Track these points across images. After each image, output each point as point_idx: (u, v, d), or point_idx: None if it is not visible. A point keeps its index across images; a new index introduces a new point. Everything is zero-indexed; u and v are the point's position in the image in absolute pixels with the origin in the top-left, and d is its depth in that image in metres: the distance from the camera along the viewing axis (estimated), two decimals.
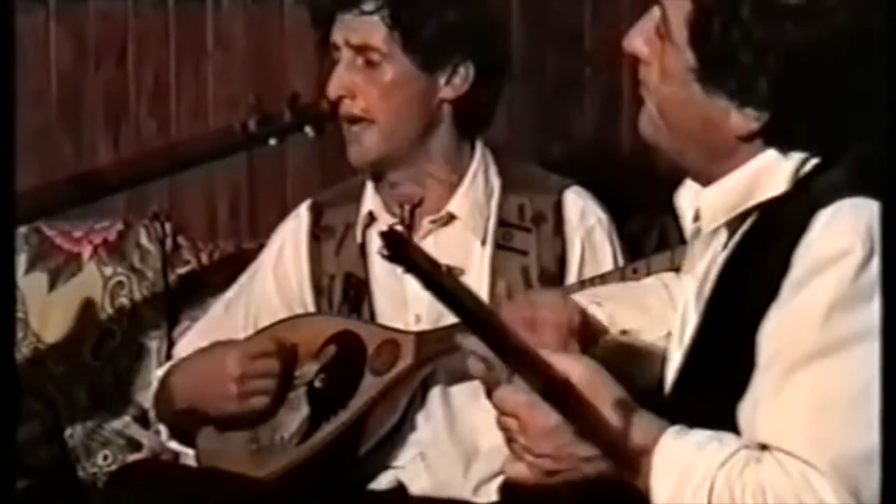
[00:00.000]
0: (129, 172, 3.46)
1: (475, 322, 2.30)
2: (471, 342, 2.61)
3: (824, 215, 2.31)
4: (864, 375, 2.22)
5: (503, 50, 3.61)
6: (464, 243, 3.40)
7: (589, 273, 3.43)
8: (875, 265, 2.28)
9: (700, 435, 2.34)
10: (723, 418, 2.36)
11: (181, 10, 4.33)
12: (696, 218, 2.55)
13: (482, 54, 3.48)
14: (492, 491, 3.38)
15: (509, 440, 2.49)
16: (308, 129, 3.36)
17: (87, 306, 4.01)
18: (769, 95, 2.37)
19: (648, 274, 3.19)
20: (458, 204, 3.44)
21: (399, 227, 3.37)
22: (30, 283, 3.90)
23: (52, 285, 3.86)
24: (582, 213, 3.55)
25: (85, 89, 4.30)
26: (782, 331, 2.31)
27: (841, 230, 2.29)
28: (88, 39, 4.29)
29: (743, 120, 2.41)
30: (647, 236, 3.92)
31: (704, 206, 2.51)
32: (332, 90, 3.40)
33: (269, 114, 3.36)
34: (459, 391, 3.44)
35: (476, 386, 2.93)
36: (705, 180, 2.51)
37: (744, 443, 2.31)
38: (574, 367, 2.38)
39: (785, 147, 2.44)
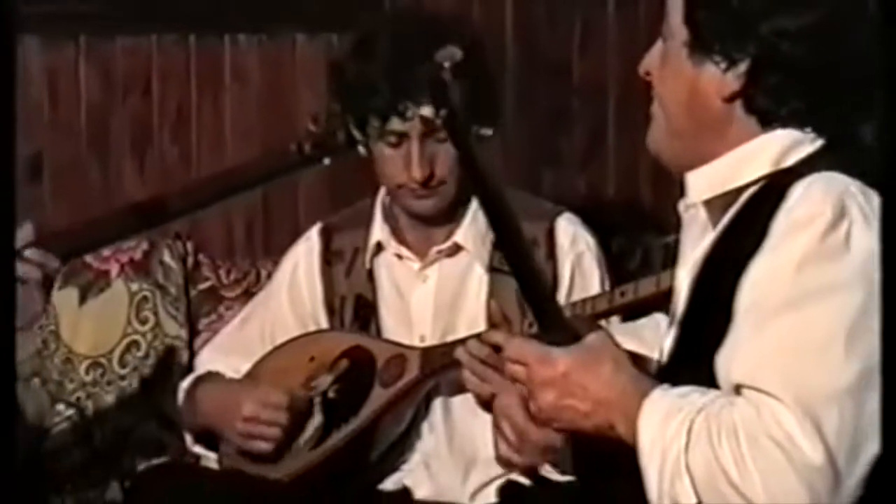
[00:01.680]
0: (192, 198, 3.39)
1: (520, 259, 2.56)
2: (466, 357, 2.73)
3: (800, 186, 2.34)
4: (830, 324, 2.26)
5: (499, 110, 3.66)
6: (467, 270, 3.41)
7: (578, 295, 3.44)
8: (843, 228, 2.30)
9: (685, 388, 2.37)
10: (711, 386, 2.37)
11: (200, 46, 4.29)
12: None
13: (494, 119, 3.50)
14: (489, 494, 3.37)
15: (498, 422, 2.58)
16: (360, 149, 3.40)
17: (115, 319, 4.04)
18: (751, 54, 2.41)
19: (636, 296, 3.21)
20: (463, 235, 3.44)
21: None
22: (62, 298, 3.88)
23: (83, 299, 3.85)
24: (572, 239, 3.55)
25: (112, 121, 4.26)
26: (758, 284, 2.34)
27: (814, 198, 2.32)
28: (115, 74, 4.23)
29: (725, 82, 2.43)
30: (632, 256, 3.89)
31: (692, 181, 2.54)
32: (418, 170, 3.40)
33: (323, 135, 3.29)
34: (460, 403, 3.43)
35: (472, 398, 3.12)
36: (698, 166, 2.54)
37: (723, 392, 2.33)
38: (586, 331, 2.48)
39: (768, 114, 2.47)
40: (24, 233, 3.09)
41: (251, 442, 3.46)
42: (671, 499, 2.35)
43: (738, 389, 2.32)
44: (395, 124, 3.41)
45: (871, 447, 2.25)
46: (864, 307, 2.29)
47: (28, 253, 3.09)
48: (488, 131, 3.49)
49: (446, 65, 2.77)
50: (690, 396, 2.35)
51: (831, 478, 2.23)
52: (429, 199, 3.46)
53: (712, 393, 2.34)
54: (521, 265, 2.62)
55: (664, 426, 2.34)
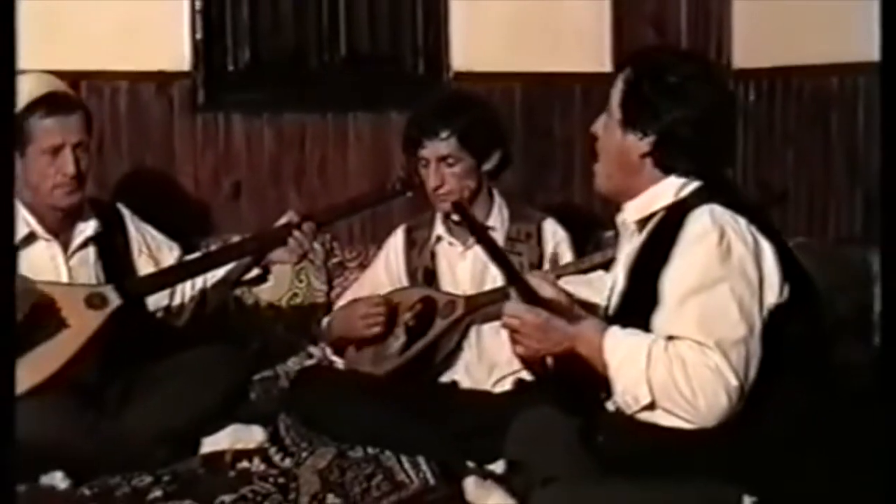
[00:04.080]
0: (331, 213, 3.85)
1: (498, 258, 2.94)
2: (509, 308, 2.86)
3: (695, 213, 2.63)
4: (727, 299, 2.55)
5: (509, 146, 3.97)
6: None
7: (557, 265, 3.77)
8: (725, 242, 2.58)
9: (630, 329, 2.66)
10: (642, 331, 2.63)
11: (335, 120, 4.85)
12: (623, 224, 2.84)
13: (506, 148, 3.94)
14: (505, 384, 3.74)
15: (513, 338, 2.84)
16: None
17: (284, 280, 4.45)
18: (656, 130, 2.70)
19: (591, 263, 3.66)
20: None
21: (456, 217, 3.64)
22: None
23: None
24: (553, 233, 3.94)
25: (282, 165, 4.81)
26: (676, 278, 2.61)
27: (704, 222, 2.60)
28: (284, 135, 4.80)
29: (641, 146, 2.73)
30: (588, 244, 4.21)
31: (628, 209, 2.80)
32: (434, 181, 3.82)
33: (407, 178, 3.88)
34: (487, 329, 3.82)
35: (496, 326, 3.56)
36: (627, 199, 2.80)
37: (656, 338, 2.60)
38: (550, 292, 2.88)
39: (668, 167, 2.74)
40: (288, 216, 3.66)
41: (368, 329, 3.84)
42: (633, 397, 2.59)
43: (670, 338, 2.57)
44: (423, 153, 3.82)
45: (754, 370, 2.56)
46: (744, 289, 2.57)
47: (305, 226, 3.62)
48: (489, 165, 3.86)
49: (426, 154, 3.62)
50: (639, 336, 2.62)
51: (739, 390, 2.53)
52: (444, 203, 3.80)
53: (651, 335, 2.61)
54: (508, 268, 2.96)
55: (627, 349, 2.62)
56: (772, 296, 2.61)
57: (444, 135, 3.78)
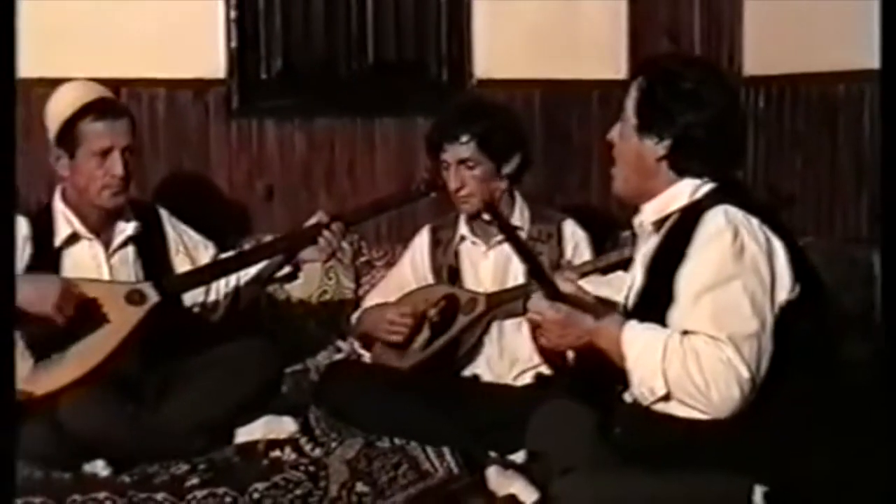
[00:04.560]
0: (361, 213, 3.87)
1: (526, 255, 2.98)
2: (532, 304, 2.87)
3: (710, 214, 2.62)
4: (740, 295, 2.55)
5: (529, 150, 3.94)
6: (511, 252, 3.51)
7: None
8: (739, 241, 2.57)
9: (648, 324, 2.66)
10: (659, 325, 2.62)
11: (363, 125, 4.85)
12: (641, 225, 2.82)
13: (525, 152, 3.91)
14: (525, 378, 3.74)
15: (536, 332, 2.87)
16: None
17: (314, 277, 4.46)
18: (672, 134, 2.70)
19: (607, 262, 3.62)
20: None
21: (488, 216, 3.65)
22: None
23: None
24: (573, 233, 3.92)
25: (313, 167, 4.80)
26: (691, 275, 2.61)
27: (719, 222, 2.60)
28: (314, 140, 4.80)
29: (657, 150, 2.72)
30: (606, 243, 4.15)
31: (645, 210, 2.79)
32: (455, 183, 3.83)
33: (430, 180, 3.90)
34: (507, 325, 3.82)
35: (517, 322, 3.70)
36: (644, 201, 2.79)
37: (672, 332, 2.59)
38: (571, 290, 2.87)
39: (683, 170, 2.74)
40: (318, 216, 3.68)
41: (390, 336, 3.85)
42: (649, 388, 2.60)
43: (685, 333, 2.57)
44: (445, 157, 3.82)
45: (765, 364, 2.55)
46: (756, 286, 2.57)
47: (334, 226, 3.64)
48: (508, 169, 3.84)
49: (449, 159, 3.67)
50: (656, 330, 2.62)
51: (751, 382, 2.53)
52: (465, 205, 3.83)
53: (667, 330, 2.61)
54: (534, 266, 3.00)
55: (644, 342, 2.62)
56: (783, 293, 2.60)
57: (463, 139, 3.77)
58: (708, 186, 2.71)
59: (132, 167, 3.63)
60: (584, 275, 3.34)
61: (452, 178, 3.79)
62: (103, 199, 3.62)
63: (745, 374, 2.51)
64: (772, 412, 2.55)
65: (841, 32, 4.22)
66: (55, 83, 3.70)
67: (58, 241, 3.64)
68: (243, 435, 3.61)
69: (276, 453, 3.49)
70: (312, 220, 3.68)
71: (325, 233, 3.62)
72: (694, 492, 2.52)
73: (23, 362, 3.34)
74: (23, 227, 3.59)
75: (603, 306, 2.85)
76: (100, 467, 3.36)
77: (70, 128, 3.56)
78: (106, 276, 3.64)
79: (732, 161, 2.83)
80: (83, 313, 3.43)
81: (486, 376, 3.83)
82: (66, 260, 3.63)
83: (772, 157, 4.72)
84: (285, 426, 3.65)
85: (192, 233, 3.93)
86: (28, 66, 3.99)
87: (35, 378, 3.34)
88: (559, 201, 4.61)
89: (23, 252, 3.56)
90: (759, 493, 2.50)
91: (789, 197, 4.05)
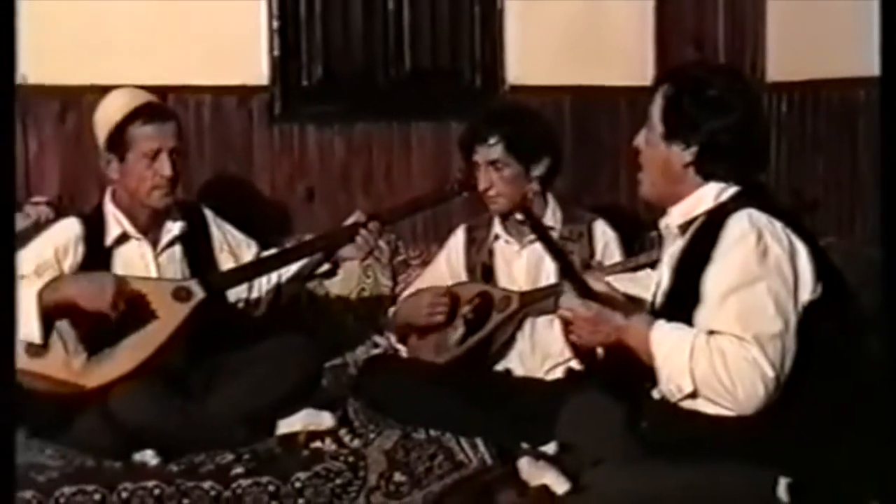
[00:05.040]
0: (396, 212, 3.92)
1: (557, 255, 3.07)
2: (564, 301, 2.88)
3: (734, 218, 2.61)
4: (764, 296, 2.53)
5: (559, 153, 3.94)
6: (543, 251, 3.51)
7: (606, 264, 3.78)
8: (763, 243, 2.56)
9: (675, 324, 2.65)
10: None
11: (399, 129, 4.87)
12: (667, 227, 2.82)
13: (555, 155, 3.90)
14: (556, 373, 3.72)
15: (567, 329, 2.87)
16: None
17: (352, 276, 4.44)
18: (698, 140, 2.69)
19: (636, 263, 3.60)
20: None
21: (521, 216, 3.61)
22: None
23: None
24: (603, 232, 3.92)
25: (352, 170, 4.81)
26: (717, 277, 2.60)
27: (743, 226, 2.58)
28: (353, 144, 4.81)
29: (684, 156, 2.72)
30: (635, 242, 4.14)
31: (672, 214, 2.78)
32: (484, 184, 3.84)
33: (464, 180, 3.93)
34: (539, 322, 3.80)
35: (548, 319, 3.68)
36: (671, 204, 2.78)
37: (699, 331, 2.59)
38: (602, 288, 2.90)
39: (709, 174, 2.73)
40: (356, 216, 3.69)
41: (431, 318, 3.86)
42: (676, 386, 2.59)
43: (711, 333, 2.56)
44: (475, 158, 3.84)
45: (789, 362, 2.54)
46: (780, 287, 2.56)
47: (371, 225, 3.66)
48: (537, 171, 3.83)
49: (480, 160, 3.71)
50: (683, 330, 2.61)
51: (775, 380, 2.52)
52: (494, 205, 3.85)
53: (694, 329, 2.60)
54: (565, 264, 3.06)
55: (672, 341, 2.62)
56: (806, 293, 2.59)
57: (492, 141, 3.79)
58: (732, 190, 2.69)
59: (179, 168, 3.65)
60: (611, 275, 3.32)
61: (482, 178, 3.80)
62: (153, 199, 3.63)
63: (770, 372, 2.50)
64: (795, 408, 2.53)
65: (860, 40, 4.09)
66: (105, 90, 3.73)
67: (108, 240, 3.66)
68: (284, 426, 3.61)
69: (317, 444, 3.49)
70: (350, 220, 3.69)
71: (363, 231, 3.63)
72: (719, 483, 2.51)
73: (76, 357, 3.43)
74: (76, 227, 3.63)
75: (632, 304, 2.86)
76: (149, 457, 3.37)
77: (120, 132, 3.59)
78: (154, 274, 3.67)
79: (757, 165, 2.81)
80: (133, 309, 3.45)
81: (519, 371, 3.82)
82: (116, 259, 3.66)
83: (794, 161, 4.71)
84: (323, 420, 3.65)
85: (235, 232, 3.94)
86: (78, 73, 4.26)
87: (87, 372, 3.40)
88: (589, 202, 4.58)
89: (76, 251, 3.61)
90: (783, 484, 2.49)
91: (813, 202, 3.99)
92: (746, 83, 2.89)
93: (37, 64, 3.97)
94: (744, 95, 2.73)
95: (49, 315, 3.36)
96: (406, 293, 4.09)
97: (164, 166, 3.59)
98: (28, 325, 3.32)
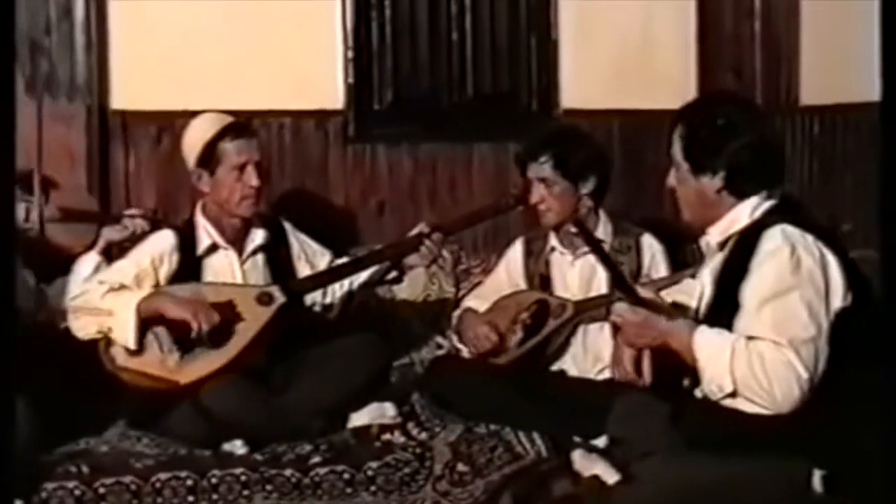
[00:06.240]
0: (457, 224, 3.91)
1: (608, 265, 3.06)
2: (616, 308, 2.86)
3: (768, 233, 2.60)
4: (798, 305, 2.53)
5: (607, 172, 3.91)
6: (596, 262, 3.54)
7: (654, 276, 3.82)
8: (796, 256, 2.55)
9: (717, 329, 2.63)
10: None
11: (461, 149, 4.87)
12: (707, 245, 2.82)
13: (602, 173, 3.88)
14: (607, 373, 3.55)
15: (617, 333, 2.84)
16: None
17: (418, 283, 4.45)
18: (724, 165, 2.67)
19: (682, 277, 3.54)
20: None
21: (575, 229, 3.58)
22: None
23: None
24: (650, 245, 3.90)
25: (418, 184, 4.82)
26: (754, 287, 2.58)
27: (777, 240, 2.58)
28: (420, 162, 4.82)
29: (714, 183, 2.70)
30: (678, 253, 4.06)
31: (712, 233, 2.76)
32: (535, 199, 3.83)
33: (519, 195, 3.90)
34: (592, 328, 3.81)
35: (599, 325, 3.71)
36: (711, 225, 2.77)
37: (738, 336, 2.57)
38: (649, 296, 2.92)
39: (741, 193, 2.71)
40: (420, 227, 3.72)
41: (474, 347, 3.85)
42: (718, 386, 2.58)
43: (750, 338, 2.55)
44: (528, 175, 3.84)
45: (822, 364, 2.53)
46: (813, 296, 2.55)
47: (434, 235, 3.68)
48: (586, 189, 3.80)
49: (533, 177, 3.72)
50: (724, 335, 2.60)
51: (809, 381, 2.51)
52: (544, 218, 3.84)
53: (734, 335, 2.59)
54: (616, 274, 3.06)
55: (714, 345, 2.60)
56: (837, 301, 2.57)
57: (542, 160, 3.79)
58: (766, 205, 2.68)
59: (263, 179, 3.69)
60: (659, 290, 3.28)
61: (534, 193, 3.80)
62: (242, 209, 3.66)
63: (805, 374, 2.49)
64: (829, 406, 2.52)
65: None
66: (195, 115, 3.78)
67: (199, 250, 3.69)
68: (354, 420, 3.62)
69: (387, 436, 3.50)
70: (415, 231, 3.70)
71: (427, 242, 3.64)
72: (758, 475, 2.48)
73: (171, 356, 3.48)
74: (171, 238, 3.67)
75: (676, 311, 2.85)
76: (237, 446, 3.40)
77: (211, 148, 3.62)
78: (240, 280, 3.70)
79: (781, 173, 2.78)
80: (222, 312, 3.50)
81: (572, 371, 3.83)
82: (206, 268, 3.69)
83: (825, 177, 4.70)
84: (386, 412, 3.64)
85: (311, 242, 3.95)
86: (172, 100, 4.32)
87: (181, 369, 3.45)
88: (637, 217, 4.46)
89: (171, 261, 3.65)
90: (817, 476, 2.48)
91: (848, 232, 3.93)
92: (750, 105, 2.90)
93: (135, 92, 4.37)
94: (751, 115, 2.73)
95: (146, 321, 3.43)
96: (468, 303, 4.05)
97: (252, 177, 3.61)
98: (125, 333, 3.40)
